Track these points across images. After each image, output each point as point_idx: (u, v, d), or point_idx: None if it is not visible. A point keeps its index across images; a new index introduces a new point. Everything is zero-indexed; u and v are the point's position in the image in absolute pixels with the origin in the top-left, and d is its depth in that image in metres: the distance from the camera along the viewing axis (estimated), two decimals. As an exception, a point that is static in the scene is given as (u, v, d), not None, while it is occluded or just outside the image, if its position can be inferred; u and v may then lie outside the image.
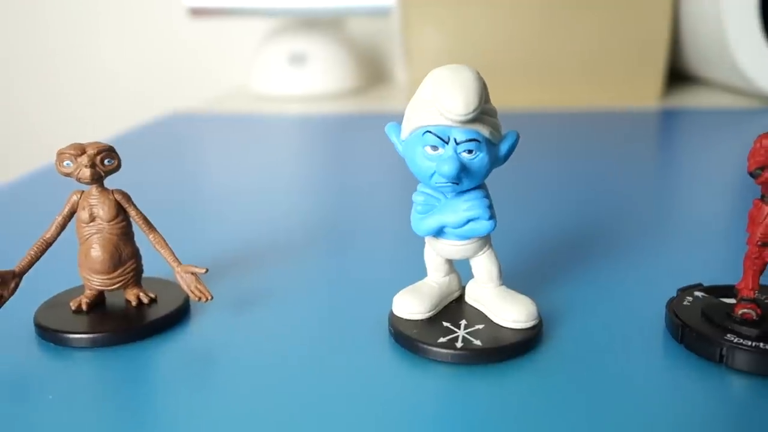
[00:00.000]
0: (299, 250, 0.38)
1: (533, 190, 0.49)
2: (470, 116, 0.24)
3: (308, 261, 0.36)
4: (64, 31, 1.10)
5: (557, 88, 0.82)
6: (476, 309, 0.28)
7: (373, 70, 1.03)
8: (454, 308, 0.28)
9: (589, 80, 0.81)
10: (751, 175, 0.24)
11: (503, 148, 0.26)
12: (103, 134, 0.88)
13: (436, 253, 0.28)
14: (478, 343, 0.26)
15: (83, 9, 1.09)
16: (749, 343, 0.24)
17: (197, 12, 0.85)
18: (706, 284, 0.29)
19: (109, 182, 0.29)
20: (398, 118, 0.27)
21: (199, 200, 0.49)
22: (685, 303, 0.28)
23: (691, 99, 0.83)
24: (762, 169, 0.24)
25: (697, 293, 0.28)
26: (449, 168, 0.24)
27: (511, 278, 0.31)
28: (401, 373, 0.25)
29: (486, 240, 0.27)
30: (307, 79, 0.89)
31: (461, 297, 0.29)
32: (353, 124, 0.76)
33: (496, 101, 0.26)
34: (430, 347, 0.26)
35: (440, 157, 0.24)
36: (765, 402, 0.23)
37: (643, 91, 0.81)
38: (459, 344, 0.26)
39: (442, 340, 0.26)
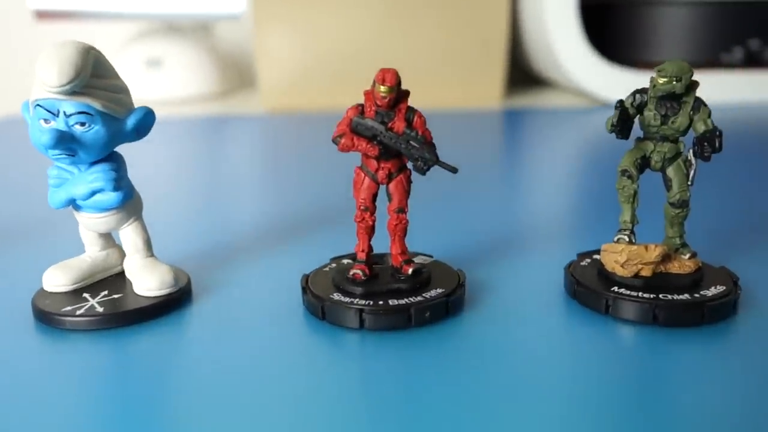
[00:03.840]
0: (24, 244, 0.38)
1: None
2: (65, 88, 0.24)
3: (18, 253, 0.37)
4: None
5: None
6: (129, 280, 0.29)
7: (239, 74, 1.04)
8: (110, 281, 0.29)
9: (434, 82, 0.84)
10: (334, 141, 0.26)
11: (130, 122, 0.27)
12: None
13: (85, 227, 0.29)
14: (100, 309, 0.26)
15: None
16: (348, 300, 0.26)
17: (43, 15, 0.84)
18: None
19: None
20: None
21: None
22: (326, 269, 0.29)
23: (532, 99, 0.86)
24: (341, 136, 0.25)
25: (347, 260, 0.30)
26: (45, 138, 0.25)
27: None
28: (39, 344, 0.26)
29: (130, 213, 0.28)
30: (164, 83, 0.89)
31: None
32: (207, 127, 0.76)
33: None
34: (54, 316, 0.26)
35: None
36: (342, 347, 0.25)
37: (484, 92, 0.84)
38: (81, 312, 0.26)
39: (67, 308, 0.27)
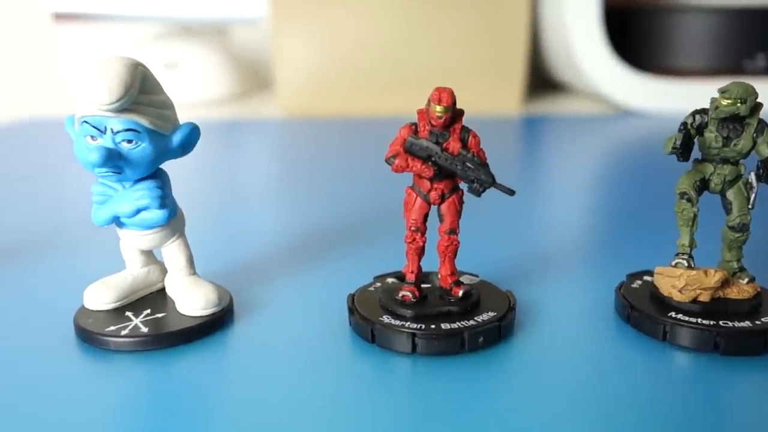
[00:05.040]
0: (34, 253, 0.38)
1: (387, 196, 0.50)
2: (114, 105, 0.24)
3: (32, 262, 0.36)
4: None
5: (422, 95, 0.83)
6: (171, 298, 0.29)
7: (256, 77, 1.03)
8: (151, 299, 0.29)
9: (453, 87, 0.83)
10: (387, 162, 0.25)
11: (176, 138, 0.26)
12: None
13: (128, 244, 0.28)
14: (144, 330, 0.26)
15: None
16: (399, 323, 0.25)
17: (61, 17, 0.84)
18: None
19: None
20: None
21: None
22: (371, 288, 0.29)
23: (552, 106, 0.86)
24: (395, 156, 0.25)
25: (391, 279, 0.29)
26: (94, 156, 0.24)
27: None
28: (83, 364, 0.26)
29: (174, 229, 0.28)
30: (182, 85, 0.89)
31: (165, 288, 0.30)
32: (225, 131, 0.76)
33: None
34: (98, 336, 0.26)
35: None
36: (394, 370, 0.24)
37: (503, 98, 0.83)
38: (125, 332, 0.26)
39: (111, 328, 0.26)
